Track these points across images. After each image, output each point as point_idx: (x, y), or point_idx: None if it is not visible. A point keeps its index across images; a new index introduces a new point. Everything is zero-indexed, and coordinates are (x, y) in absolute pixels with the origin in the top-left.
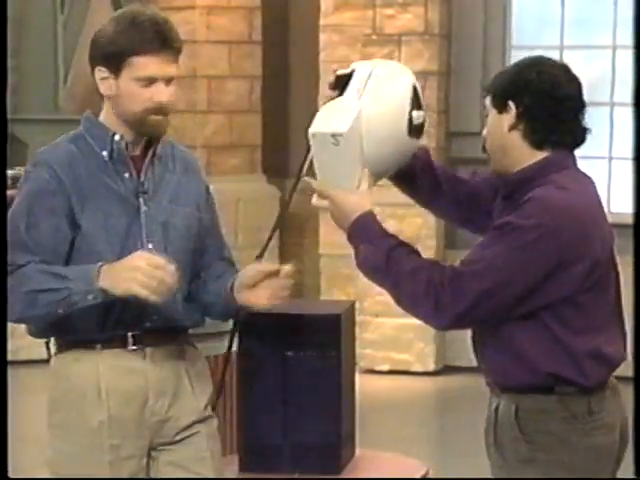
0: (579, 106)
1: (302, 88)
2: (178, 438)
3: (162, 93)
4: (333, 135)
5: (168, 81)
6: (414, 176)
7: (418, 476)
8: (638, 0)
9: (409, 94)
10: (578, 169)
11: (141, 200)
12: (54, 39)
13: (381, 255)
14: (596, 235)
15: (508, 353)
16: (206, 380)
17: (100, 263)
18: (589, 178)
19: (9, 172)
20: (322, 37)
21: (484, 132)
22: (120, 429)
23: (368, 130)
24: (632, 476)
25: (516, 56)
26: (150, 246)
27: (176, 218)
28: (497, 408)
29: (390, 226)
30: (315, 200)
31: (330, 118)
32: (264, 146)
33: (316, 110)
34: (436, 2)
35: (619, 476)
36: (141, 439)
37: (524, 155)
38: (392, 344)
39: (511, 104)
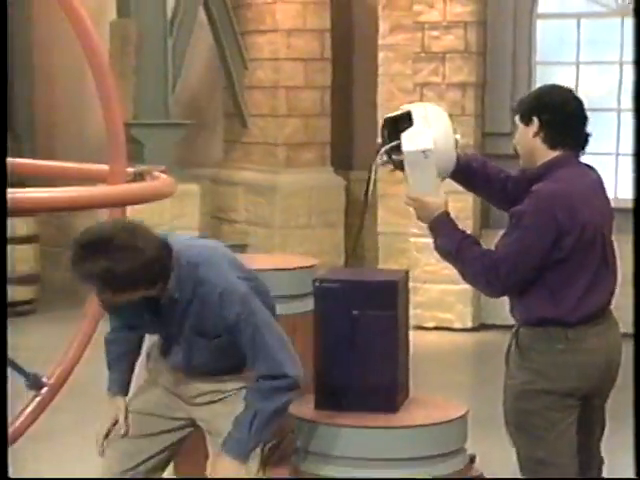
0: (582, 119)
1: (363, 96)
2: None
3: None
4: (424, 151)
5: None
6: (472, 174)
7: (459, 414)
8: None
9: (451, 122)
10: (580, 164)
11: None
12: (164, 57)
13: (453, 245)
14: (585, 212)
15: (520, 300)
16: None
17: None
18: (589, 171)
19: (130, 169)
20: (380, 55)
21: (514, 140)
22: None
23: (437, 148)
24: (632, 476)
25: (540, 70)
26: None
27: None
28: (515, 332)
29: None
30: (406, 201)
31: (415, 141)
32: (332, 143)
33: (374, 114)
34: (474, 25)
35: (619, 476)
36: None
37: (542, 154)
38: (437, 306)
39: (534, 118)
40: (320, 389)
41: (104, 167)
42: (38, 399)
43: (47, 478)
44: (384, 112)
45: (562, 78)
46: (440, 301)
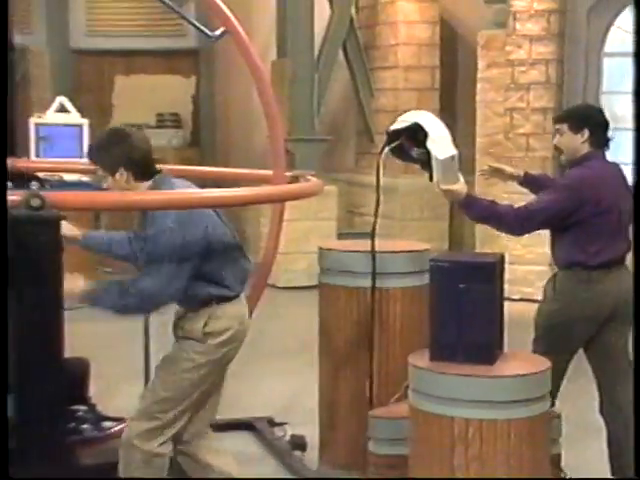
0: (606, 127)
1: (465, 118)
2: None
3: None
4: (452, 157)
5: None
6: (538, 182)
7: (545, 367)
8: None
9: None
10: (604, 158)
11: None
12: (311, 88)
13: (487, 210)
14: (603, 190)
15: (558, 248)
16: None
17: None
18: (611, 164)
19: (288, 174)
20: (478, 85)
21: (557, 142)
22: None
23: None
24: (632, 476)
25: (604, 98)
26: None
27: None
28: (554, 274)
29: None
30: (439, 191)
31: (445, 150)
32: None
33: (474, 132)
34: (553, 62)
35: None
36: None
37: (582, 151)
38: (521, 282)
39: (585, 129)
40: (434, 345)
41: (269, 172)
42: None
43: (48, 478)
44: (482, 131)
45: (623, 105)
46: (524, 279)
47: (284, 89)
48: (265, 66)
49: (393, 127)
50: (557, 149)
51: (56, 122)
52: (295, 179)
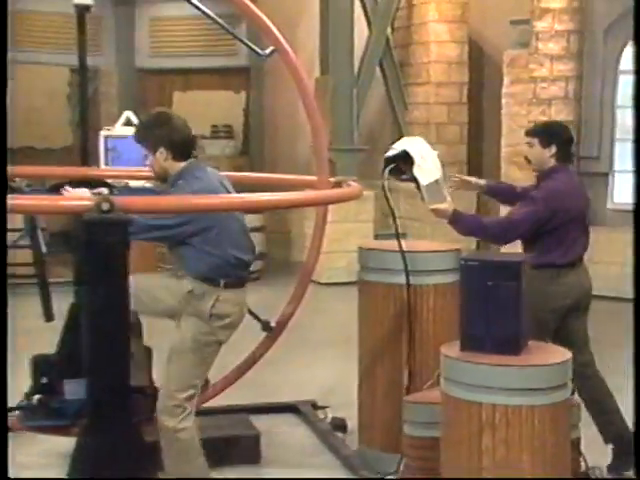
0: (571, 143)
1: (491, 130)
2: None
3: None
4: (436, 180)
5: None
6: (502, 191)
7: (566, 357)
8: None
9: (428, 145)
10: (569, 171)
11: None
12: (351, 102)
13: (474, 223)
14: (571, 200)
15: (530, 251)
16: None
17: None
18: (574, 175)
19: (331, 179)
20: (503, 100)
21: (528, 153)
22: None
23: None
24: (632, 476)
25: (619, 111)
26: None
27: None
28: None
29: None
30: (429, 210)
31: (428, 175)
32: (468, 162)
33: (499, 142)
34: (573, 79)
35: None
36: None
37: (549, 164)
38: None
39: (553, 145)
40: (464, 336)
41: (313, 178)
42: (268, 337)
43: (47, 478)
44: (507, 141)
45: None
46: None
47: (326, 103)
48: (309, 82)
49: (387, 154)
50: (526, 159)
51: (123, 134)
52: (338, 184)
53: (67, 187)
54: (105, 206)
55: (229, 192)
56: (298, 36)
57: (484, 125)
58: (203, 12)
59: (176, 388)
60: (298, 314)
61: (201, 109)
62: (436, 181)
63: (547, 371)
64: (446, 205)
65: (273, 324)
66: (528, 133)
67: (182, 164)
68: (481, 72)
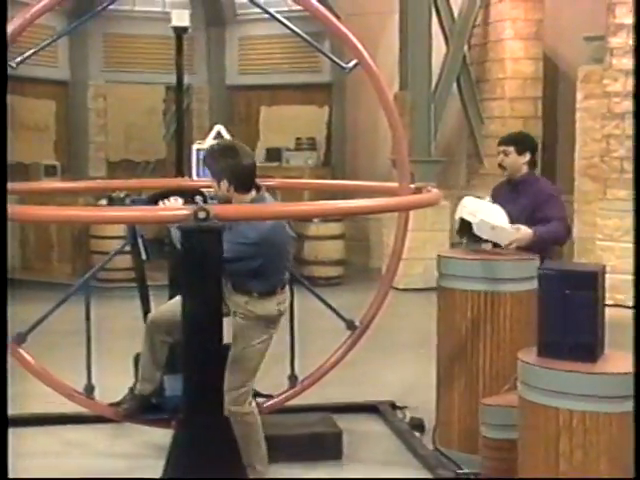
0: (537, 151)
1: (566, 144)
2: None
3: None
4: (492, 227)
5: None
6: None
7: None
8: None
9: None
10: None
11: None
12: (428, 116)
13: (551, 234)
14: None
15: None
16: None
17: None
18: None
19: (411, 185)
20: (577, 114)
21: (502, 161)
22: None
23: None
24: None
25: None
26: None
27: None
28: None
29: None
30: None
31: (485, 231)
32: (542, 175)
33: (572, 155)
34: None
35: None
36: None
37: (523, 170)
38: (615, 289)
39: (527, 153)
40: (541, 343)
41: (395, 185)
42: (352, 337)
43: (47, 478)
44: (581, 154)
45: None
46: (617, 286)
47: (405, 117)
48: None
49: (460, 215)
50: (501, 167)
51: None
52: (419, 190)
53: (171, 198)
54: (201, 214)
55: (290, 224)
56: (379, 53)
57: (558, 139)
58: (290, 29)
59: (240, 383)
60: (378, 318)
61: (286, 123)
62: (492, 227)
63: (624, 380)
64: (518, 234)
65: (358, 323)
66: (503, 142)
67: (246, 197)
68: (555, 88)
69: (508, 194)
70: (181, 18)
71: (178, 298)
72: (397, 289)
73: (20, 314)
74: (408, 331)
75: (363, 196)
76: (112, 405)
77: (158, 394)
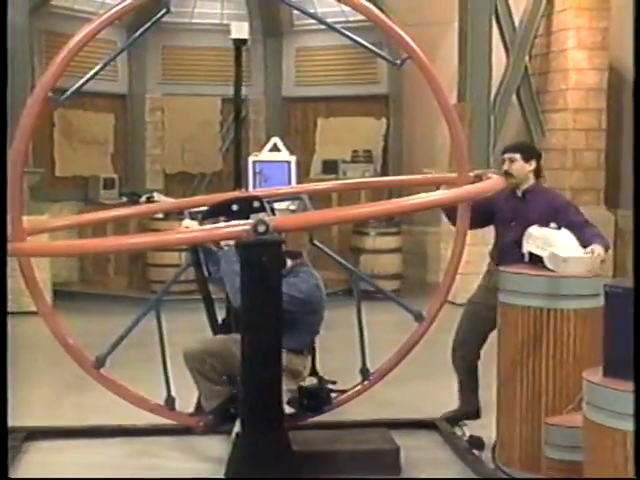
0: (541, 159)
1: (629, 155)
2: None
3: None
4: (564, 260)
5: None
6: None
7: None
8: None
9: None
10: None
11: None
12: (488, 128)
13: (607, 241)
14: None
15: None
16: None
17: None
18: None
19: (470, 174)
20: None
21: (509, 168)
22: None
23: (564, 254)
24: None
25: None
26: None
27: None
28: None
29: None
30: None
31: (557, 264)
32: (605, 189)
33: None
34: None
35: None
36: None
37: (530, 179)
38: None
39: (533, 161)
40: (607, 362)
41: (454, 175)
42: (420, 329)
43: (47, 478)
44: None
45: None
46: None
47: (464, 129)
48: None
49: (528, 249)
50: (507, 174)
51: (269, 159)
52: (478, 178)
53: (185, 220)
54: (261, 228)
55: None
56: (437, 64)
57: (622, 152)
58: (348, 37)
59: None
60: (432, 333)
61: (343, 135)
62: (564, 260)
63: None
64: (596, 252)
65: (425, 313)
66: (509, 150)
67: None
68: (619, 99)
69: (516, 204)
70: (241, 30)
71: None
72: (454, 304)
73: (80, 326)
74: None
75: (423, 189)
76: (192, 415)
77: (233, 401)
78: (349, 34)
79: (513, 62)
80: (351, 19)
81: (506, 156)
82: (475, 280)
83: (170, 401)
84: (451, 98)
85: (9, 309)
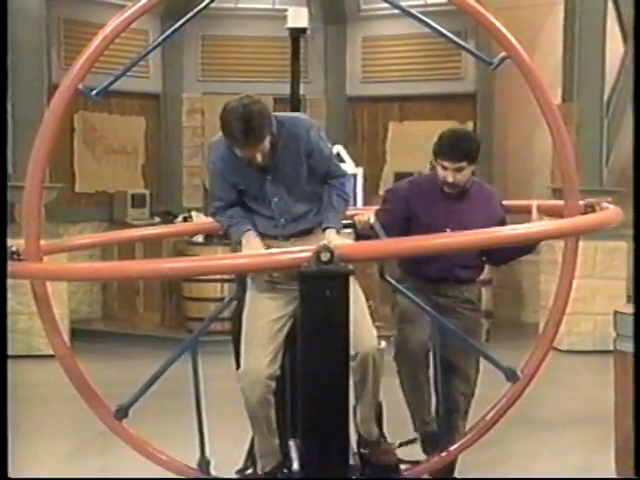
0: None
1: None
2: None
3: None
4: None
5: None
6: None
7: None
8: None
9: None
10: None
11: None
12: (600, 135)
13: None
14: None
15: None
16: None
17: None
18: None
19: (581, 202)
20: None
21: (452, 179)
22: None
23: None
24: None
25: None
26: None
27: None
28: None
29: None
30: None
31: None
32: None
33: None
34: None
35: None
36: None
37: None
38: None
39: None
40: None
41: (560, 202)
42: (513, 389)
43: (47, 478)
44: None
45: None
46: None
47: (570, 135)
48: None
49: None
50: (452, 185)
51: None
52: (591, 208)
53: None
54: (325, 256)
55: None
56: (536, 55)
57: None
58: (428, 25)
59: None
60: (533, 386)
61: (419, 142)
62: None
63: None
64: None
65: (520, 372)
66: (458, 159)
67: None
68: None
69: (455, 205)
70: (299, 18)
71: None
72: (558, 350)
73: (102, 372)
74: (573, 403)
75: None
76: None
77: (284, 465)
78: (429, 21)
79: (633, 52)
80: (429, 2)
81: (454, 167)
82: (586, 321)
83: (205, 464)
84: (554, 97)
85: (19, 352)
